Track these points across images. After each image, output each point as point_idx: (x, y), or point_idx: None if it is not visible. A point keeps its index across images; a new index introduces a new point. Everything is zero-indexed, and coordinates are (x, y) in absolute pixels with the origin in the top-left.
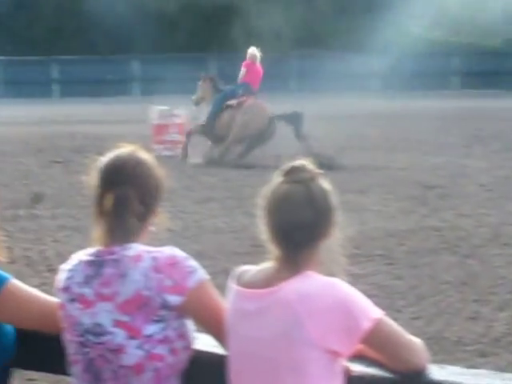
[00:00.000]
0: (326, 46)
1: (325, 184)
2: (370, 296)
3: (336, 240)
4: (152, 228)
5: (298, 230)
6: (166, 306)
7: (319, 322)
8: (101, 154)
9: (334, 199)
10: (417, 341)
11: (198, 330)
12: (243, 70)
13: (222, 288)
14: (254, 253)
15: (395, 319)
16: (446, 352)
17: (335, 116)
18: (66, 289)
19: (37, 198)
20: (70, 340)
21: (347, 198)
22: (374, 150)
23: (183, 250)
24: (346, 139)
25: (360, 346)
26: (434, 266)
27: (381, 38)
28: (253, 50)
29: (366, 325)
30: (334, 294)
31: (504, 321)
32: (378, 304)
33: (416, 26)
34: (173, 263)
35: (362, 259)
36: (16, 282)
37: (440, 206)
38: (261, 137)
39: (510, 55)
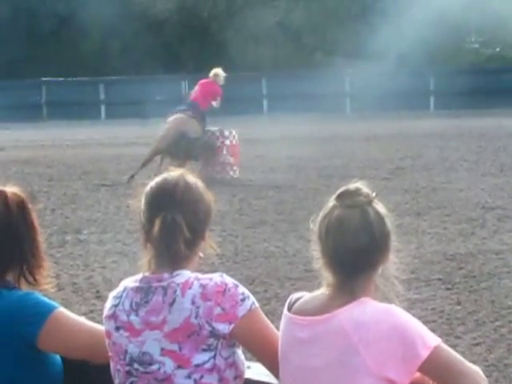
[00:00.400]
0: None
1: (380, 208)
2: (428, 321)
3: (392, 265)
4: (201, 254)
5: (354, 256)
6: (215, 334)
7: (375, 350)
8: (149, 177)
9: (390, 223)
10: (476, 369)
11: (251, 359)
12: (195, 88)
13: (274, 314)
14: (308, 278)
15: (455, 345)
16: (508, 379)
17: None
18: (112, 316)
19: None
20: (116, 369)
21: (404, 220)
22: (430, 170)
23: (234, 275)
24: (401, 160)
25: (418, 375)
26: (494, 290)
27: None
28: (217, 70)
29: (423, 353)
30: (390, 321)
31: None
32: (436, 330)
33: None
34: (222, 290)
35: (420, 284)
36: (63, 311)
37: (500, 227)
38: (176, 150)
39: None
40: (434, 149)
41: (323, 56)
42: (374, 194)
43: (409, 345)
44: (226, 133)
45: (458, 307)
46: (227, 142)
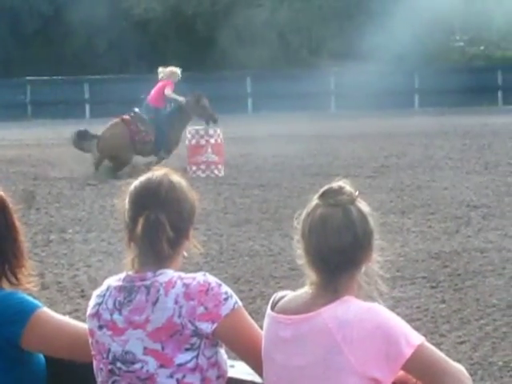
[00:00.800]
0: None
1: (364, 206)
2: (413, 320)
3: (375, 263)
4: (185, 253)
5: (337, 255)
6: (197, 333)
7: (359, 348)
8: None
9: (374, 222)
10: (460, 367)
11: (235, 358)
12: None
13: (259, 313)
14: (292, 276)
15: (439, 344)
16: (493, 377)
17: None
18: (95, 315)
19: (29, 198)
20: (99, 368)
21: (388, 219)
22: (415, 168)
23: (219, 273)
24: (385, 158)
25: (401, 373)
26: (478, 288)
27: None
28: (172, 68)
29: (407, 351)
30: (373, 319)
31: None
32: (421, 328)
33: None
34: (205, 290)
35: (405, 282)
36: (46, 310)
37: (485, 226)
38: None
39: None
40: (419, 147)
41: (308, 55)
42: (357, 193)
43: (392, 343)
44: (211, 131)
45: (443, 305)
46: (212, 141)
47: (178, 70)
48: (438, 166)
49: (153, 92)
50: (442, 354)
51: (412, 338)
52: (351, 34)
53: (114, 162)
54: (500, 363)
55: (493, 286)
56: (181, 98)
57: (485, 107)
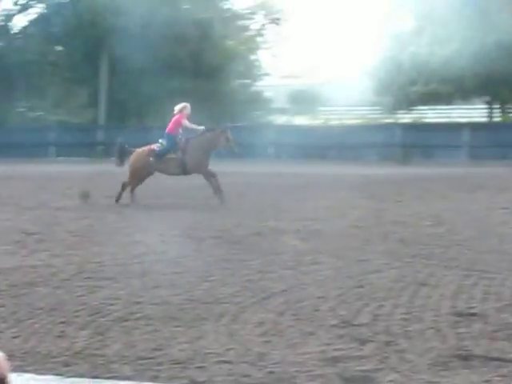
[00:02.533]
0: None
1: None
2: None
3: None
4: None
5: None
6: None
7: None
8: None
9: None
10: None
11: None
12: None
13: None
14: None
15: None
16: (39, 363)
17: None
18: None
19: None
20: None
21: None
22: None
23: None
24: None
25: None
26: (31, 295)
27: None
28: (183, 104)
29: None
30: None
31: (84, 338)
32: None
33: None
34: None
35: None
36: None
37: (37, 248)
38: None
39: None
40: None
41: None
42: None
43: None
44: None
45: (2, 309)
46: None
47: (187, 105)
48: (3, 203)
49: (170, 124)
50: None
51: None
52: None
53: None
54: (45, 352)
55: (41, 294)
56: (200, 128)
57: None
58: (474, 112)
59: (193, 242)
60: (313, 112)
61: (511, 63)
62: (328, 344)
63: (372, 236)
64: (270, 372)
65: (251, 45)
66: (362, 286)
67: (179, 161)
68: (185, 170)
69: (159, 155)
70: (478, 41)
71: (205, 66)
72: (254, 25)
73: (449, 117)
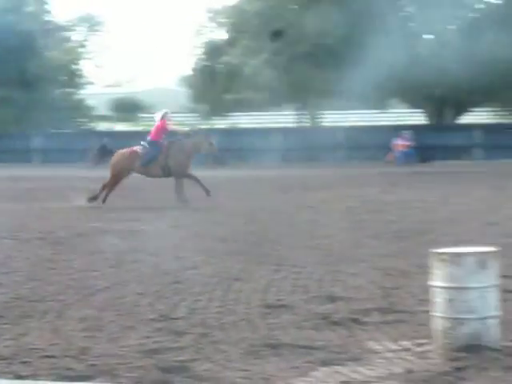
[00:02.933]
0: None
1: None
2: None
3: None
4: None
5: None
6: None
7: None
8: None
9: None
10: None
11: None
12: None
13: None
14: None
15: None
16: None
17: None
18: None
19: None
20: None
21: None
22: None
23: None
24: None
25: None
26: None
27: None
28: (162, 111)
29: None
30: None
31: None
32: None
33: None
34: None
35: None
36: None
37: None
38: None
39: None
40: None
41: None
42: None
43: None
44: None
45: None
46: None
47: (168, 110)
48: None
49: (153, 131)
50: None
51: None
52: None
53: None
54: None
55: None
56: (183, 129)
57: None
58: (286, 118)
59: (18, 243)
60: (133, 119)
61: (321, 72)
62: (147, 337)
63: (190, 235)
64: (92, 365)
65: (74, 55)
66: (179, 282)
67: (162, 163)
68: (167, 173)
69: (147, 162)
70: (287, 51)
71: (29, 75)
72: (76, 36)
73: (261, 122)
